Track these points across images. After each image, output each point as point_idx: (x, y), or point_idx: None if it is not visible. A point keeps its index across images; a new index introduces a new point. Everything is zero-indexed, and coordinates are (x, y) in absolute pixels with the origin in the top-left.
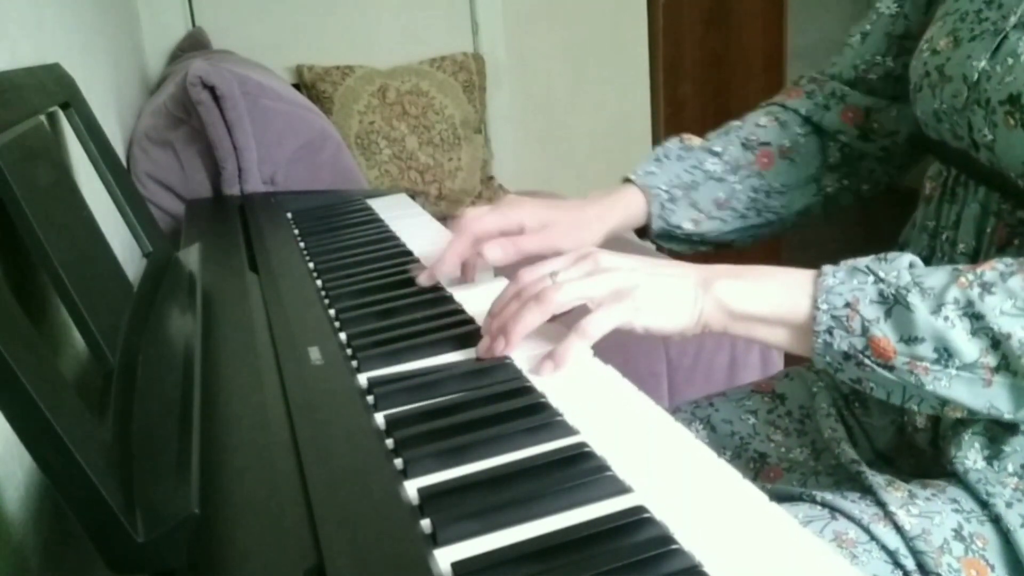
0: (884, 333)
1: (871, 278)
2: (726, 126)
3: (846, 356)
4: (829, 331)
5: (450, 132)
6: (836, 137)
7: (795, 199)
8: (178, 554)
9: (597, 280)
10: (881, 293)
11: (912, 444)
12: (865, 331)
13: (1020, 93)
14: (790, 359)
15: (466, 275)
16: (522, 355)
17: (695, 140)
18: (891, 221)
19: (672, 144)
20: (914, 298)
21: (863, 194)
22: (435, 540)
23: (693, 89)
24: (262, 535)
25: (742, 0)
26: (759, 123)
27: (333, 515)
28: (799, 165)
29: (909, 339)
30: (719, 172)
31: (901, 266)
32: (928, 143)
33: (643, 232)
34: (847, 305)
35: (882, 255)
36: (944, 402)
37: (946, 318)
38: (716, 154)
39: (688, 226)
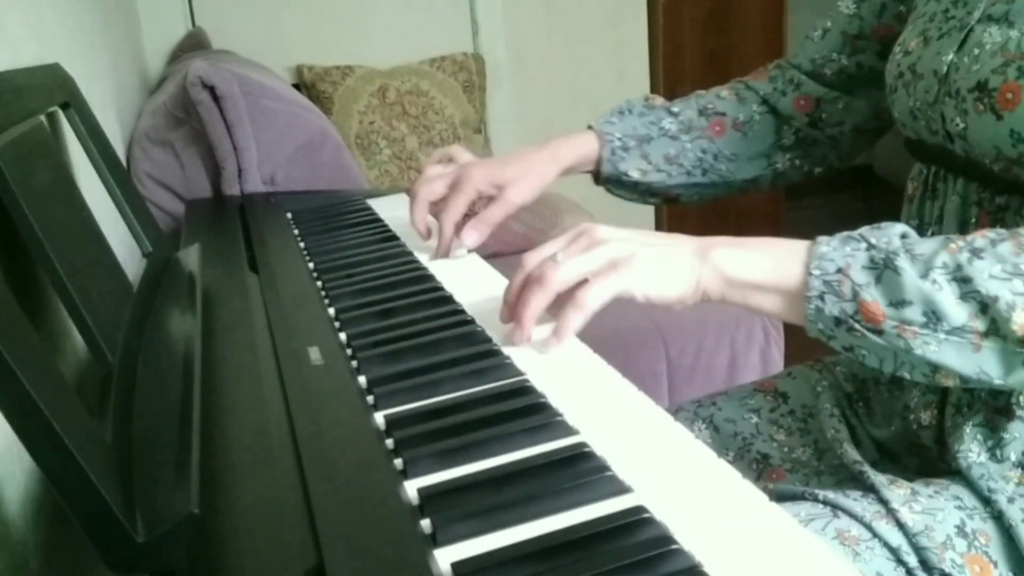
0: (874, 297)
1: (863, 244)
2: (692, 94)
3: (837, 322)
4: (821, 296)
5: (450, 132)
6: (789, 122)
7: (743, 168)
8: (178, 554)
9: (594, 253)
10: (872, 259)
11: (917, 442)
12: (855, 295)
13: (987, 80)
14: (791, 358)
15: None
16: (523, 354)
17: (658, 100)
18: (895, 217)
19: (636, 101)
20: (903, 262)
21: (814, 175)
22: (435, 540)
23: (693, 89)
24: (262, 535)
25: (742, 0)
26: (720, 95)
27: (333, 515)
28: (751, 139)
29: (898, 303)
30: (673, 130)
31: (893, 233)
32: (907, 144)
33: (596, 179)
34: (839, 271)
35: (876, 224)
36: (935, 368)
37: (934, 281)
38: (673, 114)
39: (635, 174)
